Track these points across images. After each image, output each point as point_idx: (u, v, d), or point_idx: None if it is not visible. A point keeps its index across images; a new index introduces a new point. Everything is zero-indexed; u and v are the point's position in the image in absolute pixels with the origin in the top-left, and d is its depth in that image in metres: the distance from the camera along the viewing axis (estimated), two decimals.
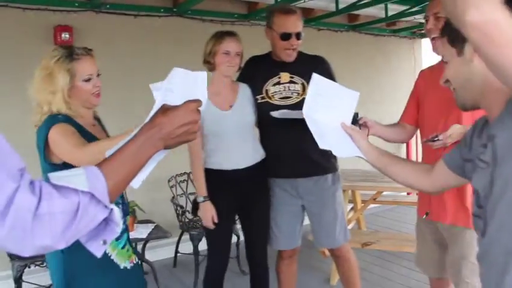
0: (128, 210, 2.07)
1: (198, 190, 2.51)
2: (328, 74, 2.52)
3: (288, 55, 2.52)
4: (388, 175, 1.59)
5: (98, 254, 0.91)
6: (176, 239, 4.16)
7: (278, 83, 2.56)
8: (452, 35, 1.12)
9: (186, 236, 4.01)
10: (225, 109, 2.48)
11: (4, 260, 3.20)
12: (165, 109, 0.99)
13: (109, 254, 1.90)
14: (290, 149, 2.53)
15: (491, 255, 1.08)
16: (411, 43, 6.51)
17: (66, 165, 1.77)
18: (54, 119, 1.84)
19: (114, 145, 1.66)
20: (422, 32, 5.96)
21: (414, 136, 2.36)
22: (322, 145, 1.67)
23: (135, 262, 2.02)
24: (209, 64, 2.48)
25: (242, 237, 3.39)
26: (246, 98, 2.55)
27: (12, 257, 3.11)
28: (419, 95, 2.24)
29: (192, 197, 4.23)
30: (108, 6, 4.03)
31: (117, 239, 1.93)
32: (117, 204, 1.89)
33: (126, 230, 2.02)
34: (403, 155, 6.32)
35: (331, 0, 4.85)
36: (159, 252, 4.33)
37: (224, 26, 4.53)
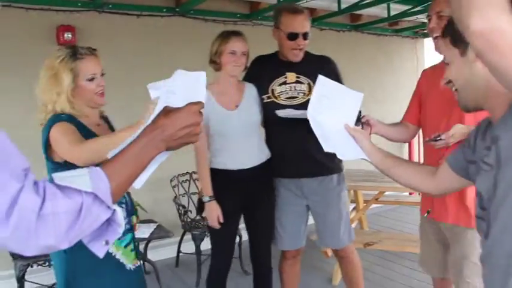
0: (132, 210, 2.08)
1: (203, 190, 2.50)
2: (335, 74, 2.52)
3: (295, 55, 2.51)
4: (392, 177, 1.58)
5: (100, 254, 0.92)
6: (178, 238, 4.16)
7: (284, 83, 2.56)
8: (455, 36, 1.11)
9: (188, 236, 4.01)
10: (231, 109, 2.48)
11: (7, 260, 3.21)
12: (167, 111, 1.00)
13: (113, 254, 1.91)
14: (295, 149, 2.53)
15: (494, 257, 1.08)
16: (413, 43, 6.51)
17: (67, 164, 1.78)
18: (56, 118, 1.85)
19: (111, 142, 1.69)
20: (425, 31, 5.96)
21: (416, 135, 2.36)
22: (327, 148, 1.68)
23: (137, 264, 2.04)
24: (215, 64, 2.48)
25: (244, 237, 3.41)
26: (252, 98, 2.54)
27: (15, 256, 3.12)
28: (421, 94, 2.23)
29: (194, 197, 4.24)
30: (110, 6, 4.04)
31: (119, 237, 1.94)
32: (120, 204, 1.91)
33: (130, 229, 2.02)
34: (405, 155, 6.32)
35: (334, 0, 4.86)
36: (161, 252, 4.34)
37: (226, 25, 4.54)
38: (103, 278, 1.88)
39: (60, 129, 1.81)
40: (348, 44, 5.60)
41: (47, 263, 3.16)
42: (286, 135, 2.54)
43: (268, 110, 2.54)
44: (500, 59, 0.80)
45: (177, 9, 4.41)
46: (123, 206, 1.94)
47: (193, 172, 4.30)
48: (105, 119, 2.10)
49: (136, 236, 3.27)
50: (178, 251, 4.23)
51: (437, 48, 2.05)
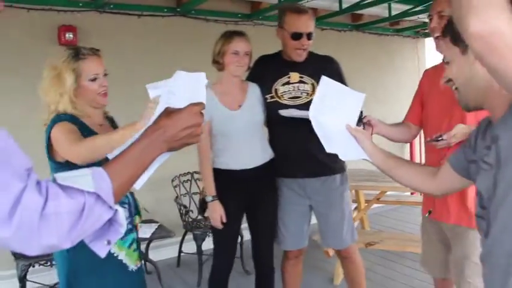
0: (136, 210, 2.09)
1: (206, 190, 2.50)
2: (338, 74, 2.51)
3: (299, 55, 2.50)
4: (393, 178, 1.58)
5: (102, 254, 0.92)
6: (180, 238, 4.16)
7: (288, 83, 2.55)
8: (456, 34, 1.11)
9: (189, 236, 4.01)
10: (234, 109, 2.47)
11: (9, 259, 3.22)
12: (168, 112, 1.01)
13: (115, 254, 1.91)
14: (298, 149, 2.52)
15: (494, 257, 1.08)
16: (415, 42, 6.50)
17: (69, 164, 1.79)
18: (58, 118, 1.86)
19: (109, 140, 1.70)
20: (426, 31, 5.95)
21: (418, 136, 2.36)
22: (329, 149, 1.69)
23: (139, 265, 2.04)
24: (218, 64, 2.47)
25: (245, 237, 3.41)
26: (255, 98, 2.54)
27: (17, 256, 3.13)
28: (423, 94, 2.23)
29: (195, 197, 4.25)
30: (112, 6, 4.04)
31: (122, 238, 1.94)
32: (122, 204, 1.91)
33: (133, 229, 2.03)
34: (407, 155, 6.31)
35: (335, 0, 4.85)
36: (162, 252, 4.34)
37: (227, 25, 4.54)
38: (105, 278, 1.89)
39: (61, 129, 1.82)
40: (349, 43, 5.59)
41: (49, 263, 3.17)
42: (290, 135, 2.53)
43: (272, 110, 2.53)
44: (499, 61, 0.79)
45: (178, 9, 4.42)
46: (126, 206, 1.95)
47: (195, 172, 4.30)
48: (110, 119, 2.11)
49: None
50: (180, 251, 4.23)
51: (438, 48, 2.04)
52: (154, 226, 3.60)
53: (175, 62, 3.99)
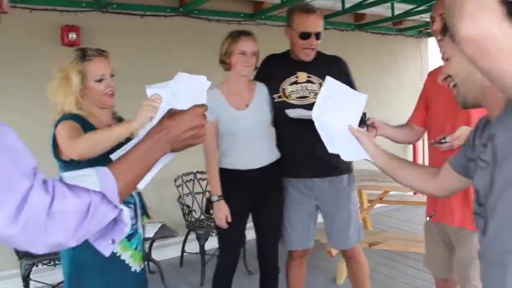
0: (142, 211, 2.10)
1: (212, 189, 2.50)
2: (346, 74, 2.51)
3: (307, 54, 2.50)
4: (395, 179, 1.59)
5: (106, 253, 0.93)
6: (183, 238, 4.17)
7: (295, 83, 2.54)
8: None
9: (192, 236, 4.02)
10: (241, 108, 2.46)
11: (12, 259, 3.23)
12: (172, 113, 1.02)
13: (118, 254, 1.92)
14: (305, 149, 2.51)
15: (492, 254, 1.08)
16: (417, 42, 6.49)
17: (73, 162, 1.80)
18: (63, 117, 1.89)
19: (106, 136, 1.72)
20: (429, 31, 5.94)
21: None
22: (331, 149, 1.69)
23: (142, 266, 2.05)
24: (225, 64, 2.46)
25: (248, 237, 3.41)
26: (262, 97, 2.53)
27: (20, 255, 3.14)
28: (427, 96, 2.22)
29: (198, 197, 4.26)
30: (114, 6, 4.05)
31: (129, 239, 1.96)
32: (128, 204, 1.92)
33: (137, 230, 2.04)
34: (410, 157, 6.30)
35: (338, 0, 4.85)
36: (165, 252, 4.35)
37: (230, 25, 4.54)
38: (109, 277, 1.90)
39: (64, 127, 1.84)
40: (352, 43, 5.59)
41: (52, 263, 3.18)
42: (297, 135, 2.51)
43: (279, 110, 2.52)
44: (492, 65, 0.78)
45: (181, 9, 4.42)
46: (131, 206, 1.96)
47: (198, 172, 4.31)
48: (119, 119, 2.11)
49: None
50: (183, 251, 4.23)
51: (441, 49, 2.04)
52: (157, 226, 3.60)
53: (177, 61, 4.01)
